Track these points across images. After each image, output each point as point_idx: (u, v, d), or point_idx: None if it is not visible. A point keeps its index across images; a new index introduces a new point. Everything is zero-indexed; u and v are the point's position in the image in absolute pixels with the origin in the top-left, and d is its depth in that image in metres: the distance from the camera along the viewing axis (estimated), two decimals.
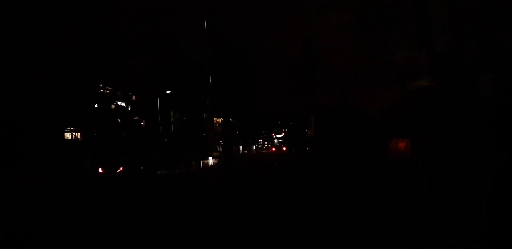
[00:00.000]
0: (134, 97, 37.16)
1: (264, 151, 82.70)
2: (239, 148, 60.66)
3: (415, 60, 17.52)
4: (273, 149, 72.97)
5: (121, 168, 19.85)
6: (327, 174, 14.88)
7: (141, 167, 21.79)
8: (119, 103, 35.20)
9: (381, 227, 5.69)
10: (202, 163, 32.90)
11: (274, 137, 79.87)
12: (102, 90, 31.77)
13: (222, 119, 53.19)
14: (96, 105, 30.42)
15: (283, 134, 76.15)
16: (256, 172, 19.99)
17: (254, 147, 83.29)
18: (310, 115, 31.45)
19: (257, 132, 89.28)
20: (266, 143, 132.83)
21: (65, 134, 27.73)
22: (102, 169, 19.89)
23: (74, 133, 28.51)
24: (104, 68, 29.39)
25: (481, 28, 12.11)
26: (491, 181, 7.45)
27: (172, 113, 41.29)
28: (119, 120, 33.35)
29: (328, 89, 27.26)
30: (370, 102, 22.40)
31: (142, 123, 37.77)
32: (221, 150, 48.36)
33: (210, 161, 34.82)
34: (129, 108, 36.32)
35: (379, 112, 20.81)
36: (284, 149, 63.29)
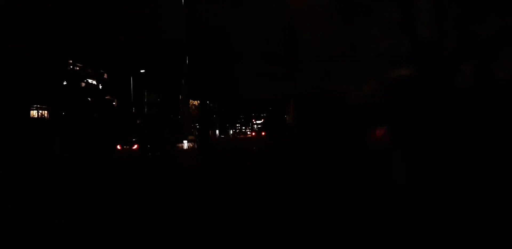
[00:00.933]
0: (105, 76, 36.12)
1: (242, 136, 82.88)
2: (215, 132, 60.45)
3: (396, 48, 17.57)
4: (253, 134, 73.33)
5: (136, 146, 21.62)
6: (304, 160, 15.14)
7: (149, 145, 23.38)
8: (90, 81, 34.16)
9: (350, 213, 5.81)
10: (177, 146, 32.77)
11: (254, 122, 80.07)
12: (71, 66, 30.66)
13: (198, 102, 52.62)
14: (65, 83, 29.37)
15: (262, 120, 76.14)
16: (234, 156, 20.12)
17: (231, 132, 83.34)
18: (289, 100, 31.21)
19: (235, 116, 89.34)
20: (243, 128, 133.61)
21: (32, 111, 26.75)
22: (120, 146, 21.56)
23: (41, 111, 27.55)
24: (74, 43, 28.27)
25: (465, 16, 12.21)
26: (470, 169, 7.69)
27: (146, 93, 40.52)
28: (89, 99, 32.45)
29: (309, 75, 27.49)
30: (351, 89, 22.70)
31: (114, 103, 36.93)
32: (197, 133, 48.00)
33: (185, 144, 34.64)
34: (100, 87, 35.33)
35: (360, 100, 20.97)
36: (263, 134, 63.82)
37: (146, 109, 40.41)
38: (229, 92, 57.32)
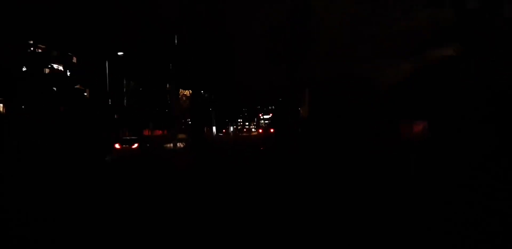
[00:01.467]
0: (75, 59, 35.92)
1: (245, 134, 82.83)
2: (212, 129, 60.54)
3: (437, 21, 17.33)
4: (260, 131, 73.43)
5: (136, 145, 24.23)
6: (322, 164, 15.48)
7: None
8: (55, 66, 33.97)
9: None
10: (164, 147, 32.87)
11: (261, 117, 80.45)
12: (32, 48, 30.41)
13: (190, 91, 52.57)
14: (24, 69, 29.15)
15: (271, 114, 76.43)
16: (234, 160, 20.61)
17: (231, 129, 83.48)
18: (303, 90, 30.52)
19: (237, 109, 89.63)
20: (247, 124, 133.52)
21: None
22: (119, 145, 24.14)
23: None
24: (36, 19, 28.01)
25: None
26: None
27: (125, 82, 40.50)
28: (54, 88, 32.27)
29: (326, 58, 26.87)
30: (379, 75, 22.37)
31: (85, 93, 36.85)
32: (191, 130, 48.14)
33: (175, 144, 34.76)
34: (69, 73, 35.17)
35: (391, 87, 20.70)
36: (272, 131, 64.43)
37: (125, 101, 40.31)
38: (228, 79, 57.18)
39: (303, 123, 32.67)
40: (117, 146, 24.22)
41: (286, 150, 27.40)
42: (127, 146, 24.21)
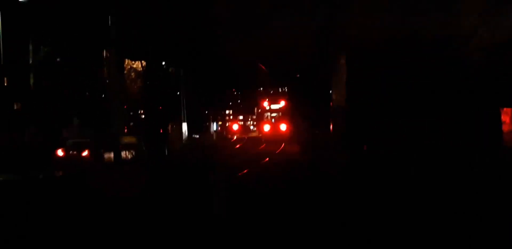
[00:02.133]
0: None
1: (235, 135, 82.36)
2: (181, 127, 59.95)
3: None
4: (265, 129, 71.22)
5: (86, 152, 26.72)
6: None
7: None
8: None
9: None
10: (100, 157, 32.90)
11: (267, 107, 79.70)
12: None
13: (143, 63, 52.05)
14: None
15: (282, 102, 76.20)
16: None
17: (215, 127, 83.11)
18: (334, 60, 32.33)
19: (223, 92, 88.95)
20: (241, 117, 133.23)
21: None
22: (63, 151, 26.40)
23: None
24: None
25: None
26: None
27: (31, 47, 40.24)
28: None
29: (375, 9, 26.90)
30: (457, 38, 23.54)
31: None
32: (144, 130, 47.59)
33: (120, 154, 34.54)
34: None
35: (474, 57, 22.17)
36: (284, 129, 66.43)
37: (32, 80, 39.73)
38: (208, 42, 56.34)
39: (337, 115, 33.15)
40: (59, 152, 24.74)
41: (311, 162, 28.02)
42: (74, 152, 24.94)
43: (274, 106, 76.05)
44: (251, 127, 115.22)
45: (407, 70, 23.19)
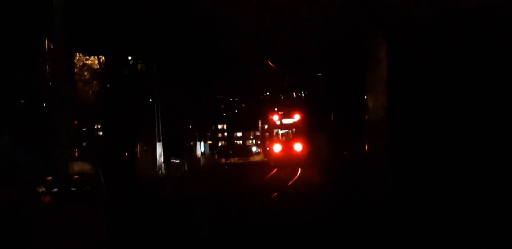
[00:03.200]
0: None
1: (234, 159, 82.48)
2: (154, 148, 59.94)
3: None
4: (276, 150, 71.89)
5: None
6: None
7: None
8: None
9: None
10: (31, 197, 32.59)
11: (277, 121, 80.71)
12: None
13: (102, 58, 51.88)
14: None
15: (297, 115, 77.12)
16: None
17: (202, 148, 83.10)
18: (370, 51, 32.30)
19: (213, 101, 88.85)
20: (239, 134, 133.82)
21: None
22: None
23: None
24: None
25: None
26: None
27: None
28: None
29: None
30: None
31: None
32: (101, 154, 47.59)
33: (67, 190, 34.28)
34: None
35: None
36: (301, 149, 66.78)
37: None
38: (192, 27, 56.43)
39: (377, 129, 32.82)
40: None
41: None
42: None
43: (286, 121, 76.30)
44: (254, 148, 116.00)
45: (481, 61, 22.62)
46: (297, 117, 71.62)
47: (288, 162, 63.20)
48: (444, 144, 23.05)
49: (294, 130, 72.32)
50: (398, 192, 23.67)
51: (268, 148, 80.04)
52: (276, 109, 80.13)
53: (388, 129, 27.99)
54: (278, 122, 73.80)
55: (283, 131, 74.08)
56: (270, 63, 72.84)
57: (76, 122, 47.48)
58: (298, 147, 67.39)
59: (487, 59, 22.20)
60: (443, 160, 22.78)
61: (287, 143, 70.56)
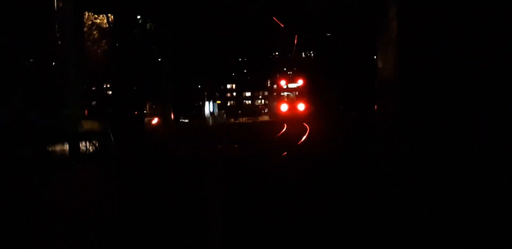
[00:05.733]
0: None
1: (244, 119, 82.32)
2: (164, 108, 59.77)
3: None
4: (283, 109, 76.42)
5: None
6: None
7: None
8: None
9: None
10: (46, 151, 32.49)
11: (284, 86, 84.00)
12: None
13: (111, 18, 51.51)
14: None
15: (300, 80, 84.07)
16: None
17: (211, 107, 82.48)
18: (381, 12, 32.34)
19: (221, 60, 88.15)
20: (248, 94, 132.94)
21: None
22: None
23: None
24: None
25: None
26: None
27: None
28: None
29: None
30: None
31: None
32: (111, 113, 48.42)
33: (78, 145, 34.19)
34: None
35: None
36: (303, 109, 77.38)
37: None
38: None
39: (386, 92, 32.59)
40: None
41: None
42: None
43: (291, 85, 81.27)
44: (262, 111, 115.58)
45: (493, 21, 22.75)
46: (300, 82, 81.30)
47: (292, 118, 71.41)
48: (454, 106, 22.93)
49: (297, 93, 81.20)
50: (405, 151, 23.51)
51: (275, 108, 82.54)
52: (282, 75, 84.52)
53: (397, 90, 27.95)
54: (284, 87, 79.51)
55: (289, 93, 78.92)
56: (277, 20, 73.38)
57: (85, 81, 47.30)
58: (301, 106, 77.65)
59: (497, 17, 22.06)
60: (452, 121, 22.63)
61: (292, 103, 78.82)
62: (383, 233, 12.12)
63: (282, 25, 74.34)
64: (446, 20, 24.20)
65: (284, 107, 79.80)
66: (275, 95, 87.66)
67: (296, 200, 16.23)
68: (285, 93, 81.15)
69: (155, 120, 63.80)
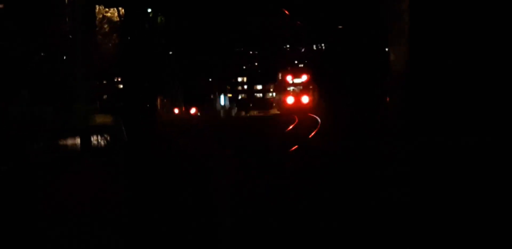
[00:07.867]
0: None
1: (254, 112, 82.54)
2: (174, 101, 59.71)
3: None
4: (289, 101, 79.73)
5: None
6: None
7: None
8: None
9: None
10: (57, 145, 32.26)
11: (290, 81, 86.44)
12: None
13: (122, 11, 51.44)
14: None
15: (304, 76, 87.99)
16: None
17: (222, 100, 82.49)
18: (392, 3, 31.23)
19: (232, 54, 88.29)
20: (259, 87, 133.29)
21: None
22: None
23: None
24: None
25: None
26: None
27: None
28: None
29: None
30: None
31: None
32: (121, 106, 47.87)
33: (89, 140, 34.11)
34: None
35: None
36: (307, 101, 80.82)
37: None
38: None
39: (397, 84, 32.29)
40: None
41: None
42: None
43: (297, 80, 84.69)
44: (267, 106, 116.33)
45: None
46: (304, 77, 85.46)
47: (297, 110, 75.34)
48: (467, 100, 22.75)
49: (302, 87, 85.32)
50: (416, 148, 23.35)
51: (282, 101, 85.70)
52: (286, 71, 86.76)
53: (409, 82, 27.76)
54: (290, 82, 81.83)
55: (294, 88, 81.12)
56: (286, 11, 73.88)
57: (96, 75, 47.26)
58: (305, 99, 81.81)
59: None
60: (465, 113, 22.43)
61: (297, 96, 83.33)
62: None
63: (288, 13, 75.01)
64: (461, 13, 23.52)
65: (290, 100, 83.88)
66: (281, 90, 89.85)
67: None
68: (291, 88, 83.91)
69: (193, 110, 64.31)
